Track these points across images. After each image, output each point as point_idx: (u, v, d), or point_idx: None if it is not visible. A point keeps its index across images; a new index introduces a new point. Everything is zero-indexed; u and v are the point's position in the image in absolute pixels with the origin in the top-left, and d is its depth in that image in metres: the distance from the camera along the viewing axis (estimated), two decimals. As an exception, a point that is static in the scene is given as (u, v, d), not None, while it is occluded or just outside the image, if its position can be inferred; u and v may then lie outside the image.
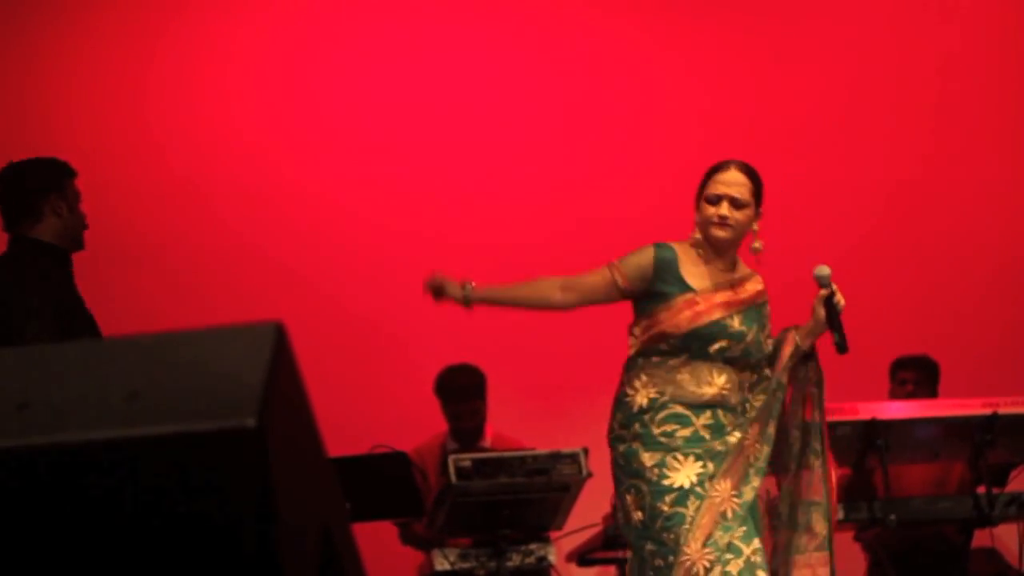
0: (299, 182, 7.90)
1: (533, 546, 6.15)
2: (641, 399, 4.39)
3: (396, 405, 7.36)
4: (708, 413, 4.37)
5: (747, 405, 4.46)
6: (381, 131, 8.01)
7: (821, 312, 4.45)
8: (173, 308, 7.47)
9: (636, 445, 4.36)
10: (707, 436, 4.36)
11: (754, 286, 4.52)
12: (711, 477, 4.33)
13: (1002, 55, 8.23)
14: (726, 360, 4.41)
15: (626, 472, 4.39)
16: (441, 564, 6.13)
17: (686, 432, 4.35)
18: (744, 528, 4.31)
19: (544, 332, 7.54)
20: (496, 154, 8.07)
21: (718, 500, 4.30)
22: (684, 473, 4.32)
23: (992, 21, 8.25)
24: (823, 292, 4.45)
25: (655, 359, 4.40)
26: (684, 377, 4.38)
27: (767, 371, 4.50)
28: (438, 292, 4.45)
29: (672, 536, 4.27)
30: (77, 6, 8.02)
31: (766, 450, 4.41)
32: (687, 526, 4.26)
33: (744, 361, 4.44)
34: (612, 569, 6.60)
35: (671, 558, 4.26)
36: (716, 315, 4.40)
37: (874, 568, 6.70)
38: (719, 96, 8.10)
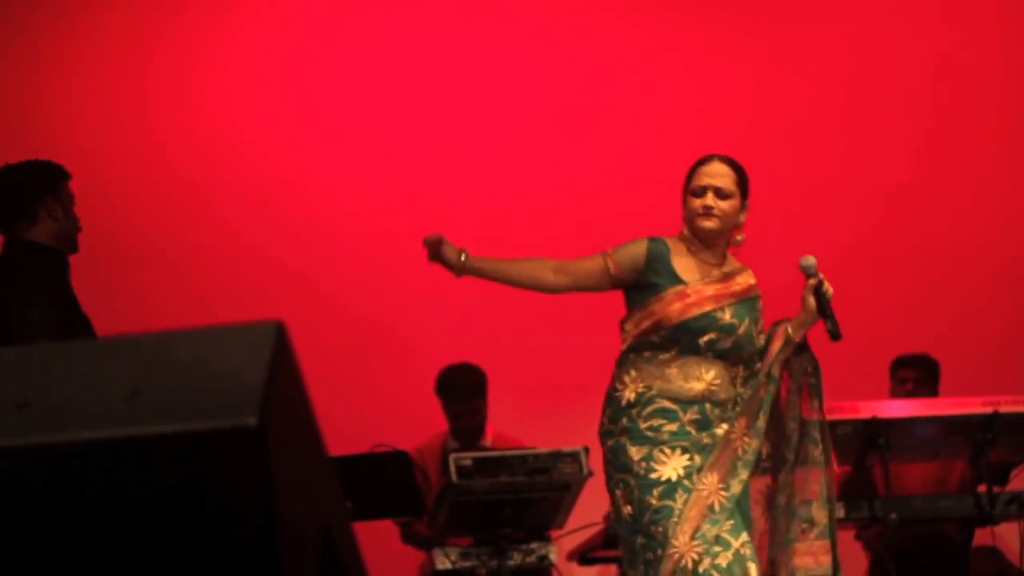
0: (300, 182, 7.90)
1: (534, 545, 6.15)
2: (629, 394, 4.41)
3: (397, 404, 7.36)
4: (695, 408, 4.39)
5: (737, 399, 4.47)
6: (381, 131, 8.01)
7: (811, 301, 4.46)
8: (173, 307, 7.47)
9: (623, 439, 4.38)
10: (693, 431, 4.38)
11: (746, 279, 4.54)
12: (698, 470, 4.34)
13: (1001, 55, 8.23)
14: (716, 354, 4.42)
15: (615, 467, 4.41)
16: (442, 563, 6.13)
17: (672, 427, 4.37)
18: (732, 521, 4.32)
19: (545, 331, 7.55)
20: (496, 153, 8.08)
21: (705, 493, 4.32)
22: (671, 466, 4.33)
23: (991, 20, 8.25)
24: (811, 282, 4.47)
25: (646, 354, 4.42)
26: (673, 372, 4.40)
27: (758, 365, 4.51)
28: (434, 252, 4.43)
29: (660, 529, 4.28)
30: (77, 6, 8.03)
31: (755, 443, 4.42)
32: (675, 519, 4.28)
33: (735, 355, 4.46)
34: (613, 568, 6.60)
35: (660, 551, 4.27)
36: (707, 307, 4.42)
37: (875, 567, 6.71)
38: (718, 95, 8.10)
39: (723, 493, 4.33)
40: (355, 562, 2.10)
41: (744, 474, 4.38)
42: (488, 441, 6.74)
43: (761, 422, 4.43)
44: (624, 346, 4.49)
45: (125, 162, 7.83)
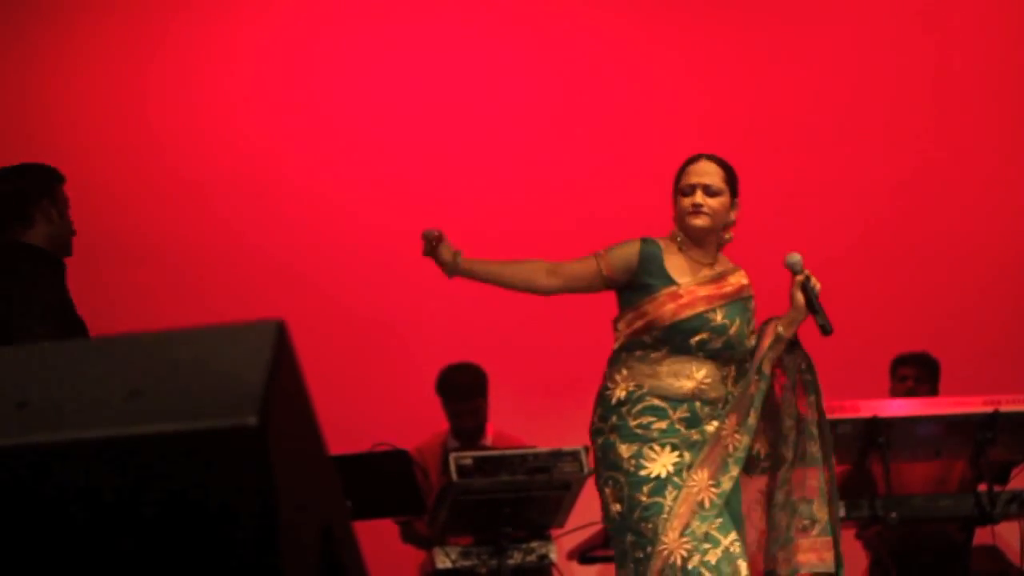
0: (300, 181, 7.91)
1: (534, 544, 6.15)
2: (620, 392, 4.42)
3: (397, 403, 7.37)
4: (685, 406, 4.40)
5: (728, 397, 4.47)
6: (381, 131, 8.01)
7: (799, 297, 4.46)
8: (174, 307, 7.47)
9: (613, 437, 4.39)
10: (682, 428, 4.39)
11: (738, 280, 4.54)
12: (688, 467, 4.35)
13: (1001, 54, 8.23)
14: (708, 354, 4.43)
15: (604, 465, 4.42)
16: (442, 562, 6.13)
17: (662, 424, 4.37)
18: (721, 519, 4.32)
19: (545, 331, 7.55)
20: (496, 153, 8.08)
21: (695, 490, 4.32)
22: (661, 463, 4.34)
23: (991, 20, 8.24)
24: (798, 278, 4.47)
25: (637, 353, 4.43)
26: (664, 370, 4.40)
27: (749, 365, 4.52)
28: (430, 247, 4.44)
29: (650, 526, 4.29)
30: (77, 6, 8.03)
31: (746, 440, 4.42)
32: (665, 516, 4.28)
33: (727, 355, 4.46)
34: (613, 567, 6.59)
35: (649, 548, 4.28)
36: (699, 308, 4.42)
37: (875, 566, 6.71)
38: (718, 94, 8.10)
39: (713, 490, 4.34)
40: (355, 561, 2.10)
41: (735, 471, 4.39)
42: (488, 440, 6.75)
43: (752, 419, 4.44)
44: (616, 345, 4.51)
45: (125, 162, 7.83)
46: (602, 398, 4.49)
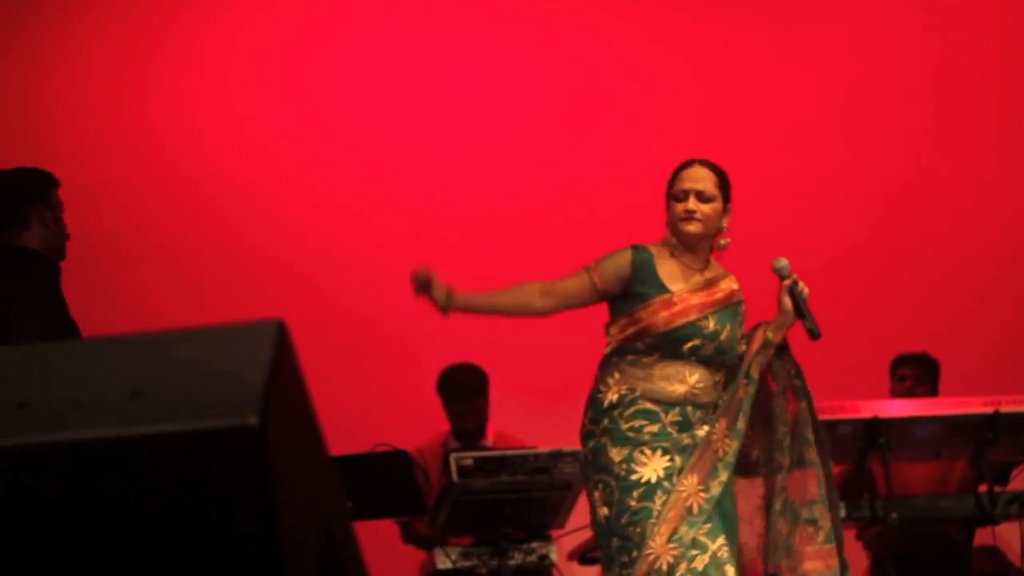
0: (301, 181, 7.91)
1: (535, 544, 6.15)
2: (612, 395, 4.42)
3: (398, 404, 7.36)
4: (677, 410, 4.40)
5: (719, 402, 4.47)
6: (381, 130, 8.01)
7: (787, 302, 4.46)
8: (175, 307, 7.47)
9: (604, 440, 4.39)
10: (674, 432, 4.39)
11: (728, 285, 4.55)
12: (678, 471, 4.34)
13: (1001, 54, 8.23)
14: (700, 359, 4.43)
15: (594, 468, 4.42)
16: (443, 563, 6.13)
17: (654, 428, 4.37)
18: (710, 524, 4.32)
19: (546, 331, 7.52)
20: (496, 153, 8.08)
21: (685, 495, 4.32)
22: (651, 467, 4.34)
23: (991, 20, 8.24)
24: (786, 282, 4.47)
25: (629, 357, 4.44)
26: (656, 374, 4.41)
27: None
28: (422, 287, 4.44)
29: (638, 530, 4.28)
30: (77, 6, 8.03)
31: (735, 445, 4.42)
32: (653, 520, 4.28)
33: (718, 360, 4.47)
34: (614, 568, 6.59)
35: (635, 553, 4.27)
36: (692, 316, 4.43)
37: (876, 567, 6.71)
38: (718, 94, 8.10)
39: (702, 495, 4.33)
40: (356, 561, 2.10)
41: (724, 476, 4.38)
42: (489, 441, 6.74)
43: (741, 423, 4.44)
44: (607, 349, 4.51)
45: (125, 161, 7.83)
46: (594, 401, 4.49)
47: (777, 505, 4.49)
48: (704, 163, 4.53)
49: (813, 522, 4.48)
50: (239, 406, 1.77)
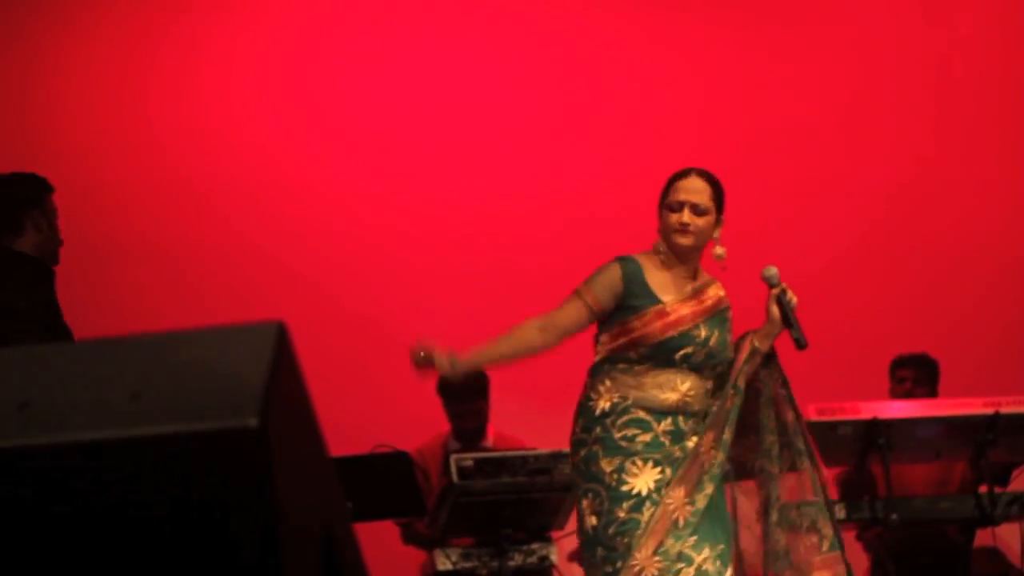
0: (300, 182, 7.91)
1: (535, 546, 6.15)
2: (604, 403, 4.42)
3: (398, 405, 7.36)
4: (669, 420, 4.40)
5: (708, 411, 4.47)
6: (381, 131, 8.01)
7: (775, 311, 4.46)
8: (175, 308, 7.47)
9: (596, 448, 4.39)
10: (667, 442, 4.38)
11: (715, 292, 4.56)
12: (667, 483, 4.34)
13: (1002, 55, 8.23)
14: (691, 366, 4.43)
15: (584, 476, 4.41)
16: (443, 564, 6.13)
17: (646, 437, 4.37)
18: (695, 537, 4.31)
19: (545, 332, 7.54)
20: (496, 153, 8.08)
21: (672, 508, 4.31)
22: (643, 479, 4.34)
23: (992, 21, 8.25)
24: (774, 291, 4.47)
25: (621, 365, 4.44)
26: (649, 382, 4.41)
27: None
28: (423, 363, 4.39)
29: (625, 541, 4.29)
30: (77, 6, 8.03)
31: (720, 457, 4.42)
32: (640, 531, 4.27)
33: (708, 367, 4.47)
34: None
35: (619, 563, 4.27)
36: (685, 326, 4.43)
37: (876, 568, 6.71)
38: (718, 95, 8.11)
39: (688, 508, 4.33)
40: (356, 562, 2.10)
41: (709, 488, 4.38)
42: (489, 442, 6.74)
43: (727, 435, 4.43)
44: (597, 357, 4.50)
45: (125, 162, 7.83)
46: (584, 409, 4.48)
47: (773, 516, 4.49)
48: (701, 174, 4.51)
49: (815, 529, 4.47)
50: (239, 407, 1.77)
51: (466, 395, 6.71)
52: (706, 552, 4.31)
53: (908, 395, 6.83)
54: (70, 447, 1.80)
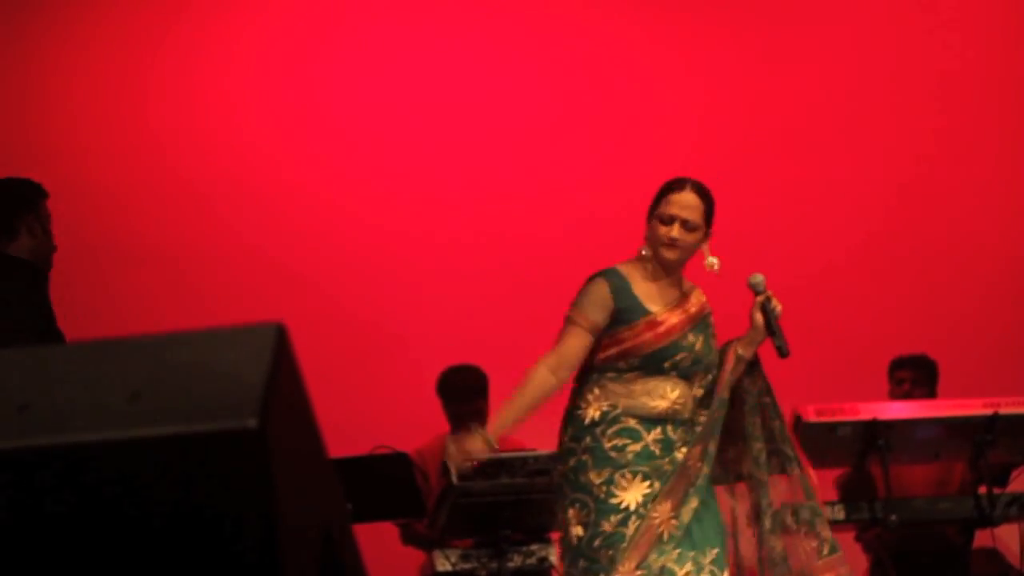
0: (300, 183, 7.91)
1: (534, 547, 6.15)
2: (593, 412, 4.42)
3: (398, 406, 7.36)
4: (658, 429, 4.40)
5: (695, 419, 4.47)
6: (381, 132, 8.01)
7: (759, 318, 4.46)
8: (174, 309, 7.47)
9: (585, 458, 4.39)
10: (657, 452, 4.38)
11: (698, 298, 4.57)
12: (655, 497, 4.34)
13: (1003, 56, 8.23)
14: (680, 373, 4.43)
15: (572, 486, 4.41)
16: (442, 565, 6.13)
17: (636, 447, 4.37)
18: (679, 551, 4.31)
19: (547, 333, 7.54)
20: (495, 154, 8.08)
21: (657, 522, 4.32)
22: (632, 494, 4.34)
23: (993, 21, 8.25)
24: (759, 298, 4.47)
25: (610, 374, 4.44)
26: (638, 389, 4.41)
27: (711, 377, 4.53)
28: (468, 474, 4.43)
29: (610, 553, 4.29)
30: (77, 6, 8.03)
31: (705, 470, 4.42)
32: (624, 545, 4.27)
33: (695, 372, 4.47)
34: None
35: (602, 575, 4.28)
36: (675, 335, 4.43)
37: (875, 568, 6.70)
38: (719, 95, 8.11)
39: (673, 522, 4.33)
40: (355, 563, 2.10)
41: (694, 502, 4.38)
42: (489, 442, 6.74)
43: (712, 447, 4.44)
44: (585, 366, 4.49)
45: (125, 162, 7.83)
46: (573, 418, 4.48)
47: (767, 523, 4.48)
48: (694, 188, 4.48)
49: (814, 533, 4.47)
50: (238, 409, 1.77)
51: (466, 396, 6.71)
52: (688, 567, 4.31)
53: (907, 396, 6.83)
54: (70, 448, 1.80)
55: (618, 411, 4.39)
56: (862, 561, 6.76)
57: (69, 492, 1.81)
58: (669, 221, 4.44)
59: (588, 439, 4.40)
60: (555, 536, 6.28)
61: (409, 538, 6.66)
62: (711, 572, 4.33)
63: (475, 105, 8.11)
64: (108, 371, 1.87)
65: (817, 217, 7.95)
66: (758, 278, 4.49)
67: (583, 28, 8.19)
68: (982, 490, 6.06)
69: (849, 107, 8.15)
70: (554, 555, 6.22)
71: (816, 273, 7.65)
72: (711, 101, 8.10)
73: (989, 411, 5.95)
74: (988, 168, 8.12)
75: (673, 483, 4.36)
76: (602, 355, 4.45)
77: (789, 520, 4.48)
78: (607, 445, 4.37)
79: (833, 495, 6.67)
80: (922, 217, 8.05)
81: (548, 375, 4.44)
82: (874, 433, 5.89)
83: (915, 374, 6.95)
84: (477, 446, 4.42)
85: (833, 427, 5.85)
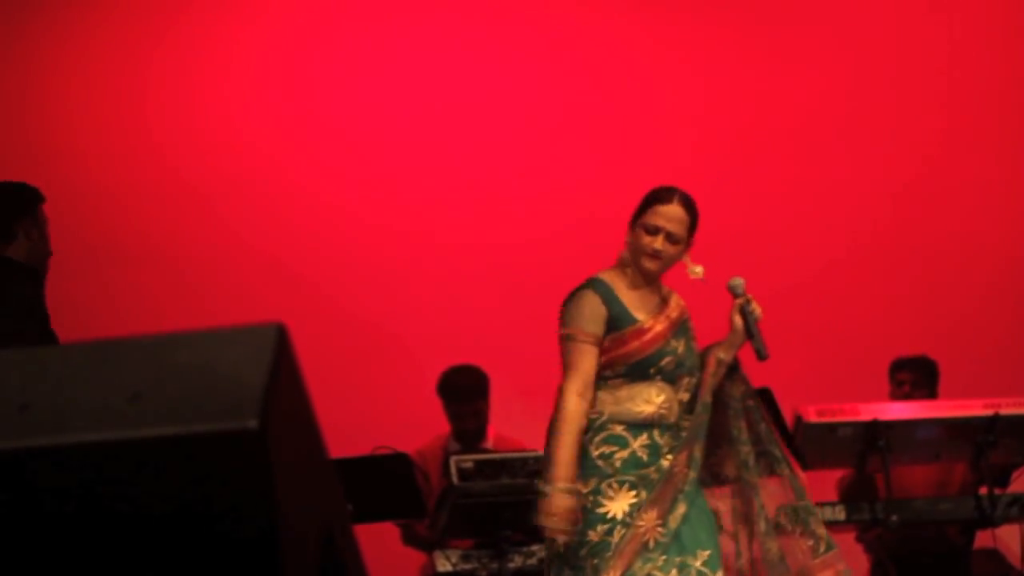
0: (300, 183, 7.91)
1: (535, 547, 6.15)
2: None
3: (398, 406, 7.36)
4: (645, 435, 4.39)
5: (681, 424, 4.46)
6: (381, 132, 8.01)
7: (738, 321, 4.46)
8: (174, 309, 7.47)
9: None
10: (644, 458, 4.38)
11: (677, 303, 4.58)
12: (641, 507, 4.34)
13: (1005, 56, 8.23)
14: (665, 378, 4.44)
15: None
16: (443, 565, 6.12)
17: (624, 454, 4.37)
18: (665, 557, 4.31)
19: (546, 333, 7.54)
20: (496, 154, 8.08)
21: (643, 530, 4.31)
22: (619, 504, 4.34)
23: (995, 21, 8.25)
24: (738, 301, 4.47)
25: (596, 382, 4.42)
26: (623, 394, 4.41)
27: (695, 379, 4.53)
28: (558, 539, 4.37)
29: (595, 562, 4.29)
30: (77, 7, 8.03)
31: (692, 475, 4.42)
32: (610, 553, 4.27)
33: (680, 376, 4.47)
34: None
35: None
36: (661, 342, 4.43)
37: (876, 569, 6.70)
38: (720, 95, 8.11)
39: (660, 530, 4.33)
40: (356, 564, 2.10)
41: (682, 508, 4.37)
42: (489, 443, 6.74)
43: (697, 452, 4.43)
44: None
45: (125, 163, 7.83)
46: None
47: (761, 526, 4.48)
48: (681, 201, 4.47)
49: (809, 533, 4.47)
50: (239, 409, 1.77)
51: (466, 396, 6.70)
52: (674, 572, 4.30)
53: (907, 398, 6.83)
54: (70, 449, 1.80)
55: (604, 418, 4.39)
56: (863, 562, 6.76)
57: (69, 492, 1.81)
58: (654, 232, 4.44)
59: None
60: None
61: (409, 539, 6.65)
62: (699, 574, 4.32)
63: (475, 106, 8.11)
64: (108, 371, 1.87)
65: (817, 217, 7.95)
66: (737, 281, 4.49)
67: (583, 29, 8.19)
68: (983, 491, 6.06)
69: (850, 107, 8.14)
70: (554, 556, 6.22)
71: (817, 273, 7.64)
72: (711, 102, 8.10)
73: (990, 412, 5.95)
74: (988, 168, 8.12)
75: (659, 491, 4.36)
76: None
77: (783, 520, 4.48)
78: (595, 453, 4.38)
79: (834, 496, 6.67)
80: (922, 217, 8.05)
81: (580, 402, 4.40)
82: (875, 434, 5.89)
83: (915, 375, 6.95)
84: (565, 503, 4.34)
85: (834, 428, 5.85)
